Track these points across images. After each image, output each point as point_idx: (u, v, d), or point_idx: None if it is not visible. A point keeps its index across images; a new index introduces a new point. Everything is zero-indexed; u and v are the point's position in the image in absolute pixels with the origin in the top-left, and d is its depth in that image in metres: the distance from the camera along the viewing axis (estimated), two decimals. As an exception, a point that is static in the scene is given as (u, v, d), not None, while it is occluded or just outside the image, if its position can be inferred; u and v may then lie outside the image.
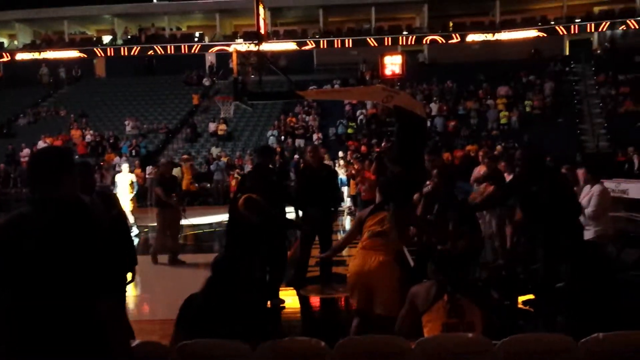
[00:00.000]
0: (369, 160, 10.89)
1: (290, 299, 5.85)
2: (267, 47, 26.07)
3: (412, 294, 3.04)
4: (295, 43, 28.63)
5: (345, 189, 16.57)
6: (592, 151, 18.78)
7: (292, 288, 6.15)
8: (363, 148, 18.97)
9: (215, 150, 20.52)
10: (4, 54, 30.24)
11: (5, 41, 32.06)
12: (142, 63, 30.21)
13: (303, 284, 6.28)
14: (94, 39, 31.52)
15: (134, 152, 20.91)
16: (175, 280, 6.86)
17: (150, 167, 18.37)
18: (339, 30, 29.50)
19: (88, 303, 1.98)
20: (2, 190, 18.79)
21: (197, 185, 18.06)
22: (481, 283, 5.62)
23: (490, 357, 2.58)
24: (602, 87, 22.91)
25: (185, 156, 18.41)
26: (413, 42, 28.00)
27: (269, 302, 5.29)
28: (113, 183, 11.46)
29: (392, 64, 23.39)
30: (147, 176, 18.04)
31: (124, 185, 10.33)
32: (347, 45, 28.44)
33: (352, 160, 17.20)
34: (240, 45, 24.96)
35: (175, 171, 12.68)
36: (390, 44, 27.94)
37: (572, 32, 27.00)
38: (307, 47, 28.76)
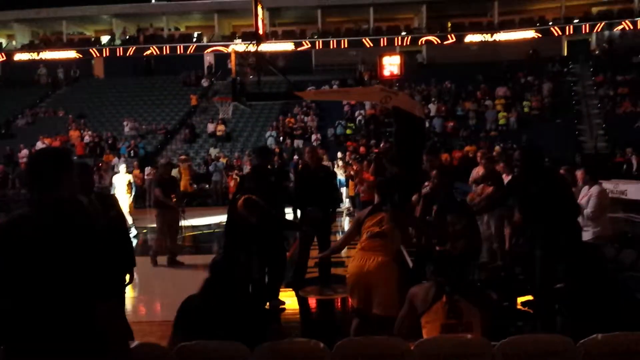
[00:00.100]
0: (368, 161, 10.89)
1: (289, 300, 5.84)
2: (265, 47, 26.08)
3: (411, 295, 3.04)
4: (293, 43, 28.66)
5: (344, 190, 16.57)
6: (590, 152, 18.81)
7: (291, 289, 6.15)
8: (362, 149, 18.97)
9: (213, 151, 20.51)
10: (2, 54, 30.23)
11: (4, 41, 32.04)
12: (140, 63, 30.20)
13: (302, 285, 6.28)
14: (93, 39, 31.51)
15: (132, 153, 20.89)
16: (174, 282, 6.85)
17: (149, 168, 18.35)
18: (337, 31, 29.52)
19: (87, 304, 1.98)
20: (0, 191, 18.76)
21: (195, 186, 18.03)
22: (480, 284, 5.62)
23: (489, 358, 2.58)
24: (600, 87, 22.95)
25: (182, 157, 18.39)
26: (408, 43, 28.03)
27: (268, 304, 5.28)
28: (111, 184, 11.44)
29: (391, 64, 23.42)
30: (145, 177, 18.02)
31: (122, 186, 10.32)
32: (342, 46, 28.48)
33: (350, 161, 17.21)
34: (239, 46, 24.96)
35: (173, 172, 12.67)
36: (386, 44, 27.96)
37: (568, 32, 27.07)
38: (305, 48, 28.78)
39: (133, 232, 10.29)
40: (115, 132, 22.87)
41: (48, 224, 1.97)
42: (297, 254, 6.44)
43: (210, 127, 22.66)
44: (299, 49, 28.59)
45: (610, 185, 10.41)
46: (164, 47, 29.22)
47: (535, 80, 23.74)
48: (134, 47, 29.23)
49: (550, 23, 27.53)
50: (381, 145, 17.89)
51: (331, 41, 28.40)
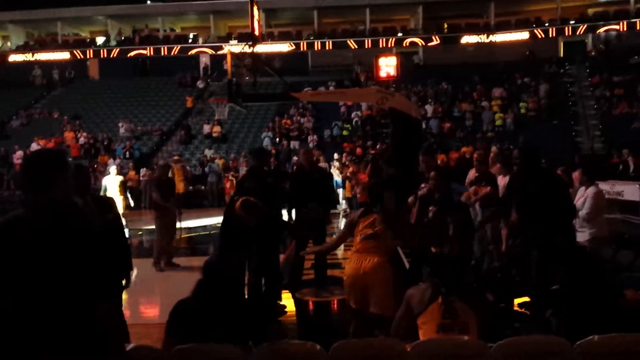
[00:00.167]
0: (365, 162, 10.88)
1: (285, 302, 5.83)
2: (261, 48, 26.10)
3: (408, 296, 3.05)
4: (289, 44, 28.66)
5: (340, 191, 16.57)
6: (587, 153, 18.86)
7: (287, 291, 6.14)
8: (358, 150, 18.98)
9: (208, 152, 20.47)
10: (-4, 55, 30.13)
11: (-2, 42, 31.95)
12: (135, 64, 30.13)
13: (298, 287, 6.27)
14: (88, 40, 31.44)
15: (127, 154, 20.83)
16: (170, 284, 6.83)
17: (144, 169, 18.30)
18: (333, 32, 29.55)
19: (83, 305, 1.98)
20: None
21: (190, 187, 17.99)
22: (477, 285, 5.61)
23: (486, 360, 2.57)
24: (596, 88, 23.04)
25: (176, 157, 18.37)
26: (393, 45, 28.05)
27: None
28: (101, 186, 11.40)
29: (387, 65, 23.40)
30: (141, 178, 17.97)
31: (114, 187, 10.28)
32: (331, 48, 28.55)
33: (347, 162, 17.21)
34: (235, 47, 24.95)
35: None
36: (371, 45, 28.02)
37: (567, 33, 27.19)
38: (301, 49, 28.81)
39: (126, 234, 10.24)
40: (110, 133, 22.81)
41: (43, 226, 1.96)
42: (293, 255, 6.43)
43: (206, 128, 22.63)
44: (296, 49, 28.60)
45: (606, 186, 10.45)
46: (160, 48, 29.19)
47: (532, 82, 23.81)
48: (130, 49, 29.18)
49: (547, 24, 27.64)
50: (377, 146, 17.92)
51: (324, 42, 28.45)
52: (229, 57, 9.28)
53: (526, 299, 5.22)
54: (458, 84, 24.04)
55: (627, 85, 22.24)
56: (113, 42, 30.19)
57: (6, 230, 1.96)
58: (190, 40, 30.03)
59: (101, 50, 29.61)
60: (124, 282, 3.88)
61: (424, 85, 24.64)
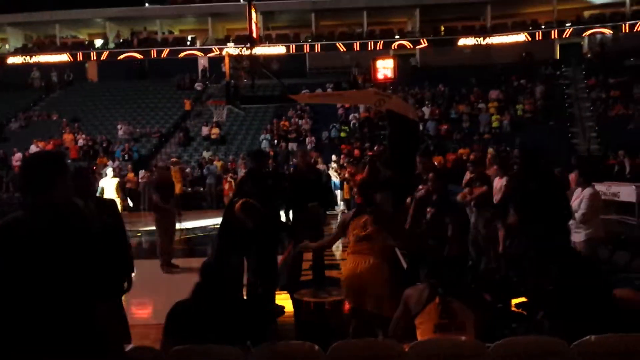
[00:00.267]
0: (363, 164, 10.91)
1: (283, 302, 5.85)
2: (259, 50, 26.14)
3: (405, 297, 3.08)
4: (285, 47, 28.72)
5: (338, 193, 16.60)
6: (583, 154, 18.92)
7: (285, 292, 6.16)
8: (356, 152, 19.01)
9: (206, 154, 20.47)
10: (-5, 58, 30.11)
11: (-3, 45, 31.92)
12: (134, 67, 30.13)
13: (296, 288, 6.28)
14: (86, 42, 31.42)
15: (126, 157, 20.83)
16: (169, 285, 6.85)
17: (143, 171, 18.30)
18: (331, 34, 29.60)
19: (82, 306, 1.99)
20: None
21: (189, 189, 18.01)
22: (474, 286, 5.64)
23: None
24: (592, 90, 23.12)
25: (174, 159, 18.38)
26: (381, 47, 28.15)
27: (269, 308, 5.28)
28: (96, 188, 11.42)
29: (384, 67, 23.41)
30: (139, 180, 17.97)
31: (110, 190, 10.30)
32: (336, 50, 28.63)
33: (345, 164, 17.25)
34: (233, 49, 24.96)
35: (167, 175, 12.66)
36: (371, 48, 28.12)
37: (553, 36, 27.30)
38: (299, 51, 28.87)
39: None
40: (109, 135, 22.80)
41: (42, 228, 1.97)
42: (291, 256, 6.46)
43: (205, 131, 22.63)
44: (294, 52, 28.65)
45: (603, 187, 10.49)
46: (159, 51, 29.20)
47: (528, 83, 23.88)
48: (128, 51, 29.19)
49: (544, 27, 27.75)
50: (375, 148, 17.95)
51: (316, 45, 28.56)
52: (227, 60, 9.30)
53: (523, 299, 5.25)
54: (455, 86, 24.10)
55: (622, 87, 22.31)
56: (111, 45, 30.19)
57: (5, 232, 1.97)
58: (188, 43, 30.05)
59: (99, 52, 29.63)
60: (125, 285, 3.89)
61: (421, 88, 24.68)
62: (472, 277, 6.11)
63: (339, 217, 14.15)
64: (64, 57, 29.49)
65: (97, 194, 9.81)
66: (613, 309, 2.88)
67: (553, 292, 3.17)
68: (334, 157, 18.10)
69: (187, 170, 18.89)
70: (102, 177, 10.33)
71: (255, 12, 10.90)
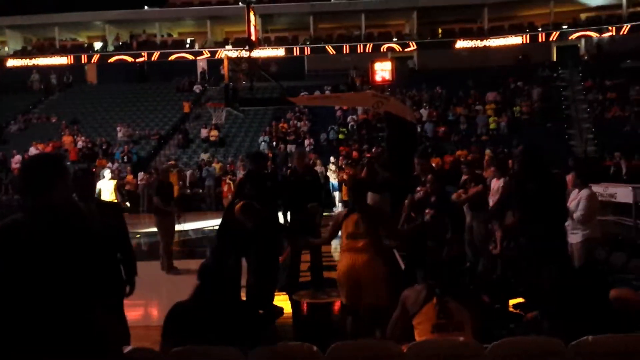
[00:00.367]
0: (361, 166, 10.94)
1: (282, 304, 5.86)
2: (258, 53, 26.20)
3: (403, 297, 3.10)
4: (284, 50, 28.76)
5: (337, 194, 16.63)
6: (580, 156, 18.98)
7: (284, 293, 6.18)
8: (354, 153, 19.04)
9: (204, 156, 20.48)
10: (-6, 60, 30.09)
11: (-4, 48, 31.90)
12: (133, 69, 30.14)
13: (295, 289, 6.31)
14: (85, 45, 31.43)
15: (126, 159, 20.84)
16: (169, 286, 6.86)
17: (142, 173, 18.31)
18: (329, 37, 29.66)
19: (81, 308, 2.00)
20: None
21: (188, 190, 18.02)
22: (472, 287, 5.67)
23: (481, 360, 2.61)
24: (589, 92, 23.19)
25: (171, 162, 18.40)
26: (379, 50, 28.15)
27: (264, 310, 5.29)
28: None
29: (382, 70, 23.55)
30: (139, 182, 17.97)
31: (108, 191, 10.32)
32: (334, 53, 28.67)
33: (343, 166, 17.28)
34: (232, 52, 25.01)
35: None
36: (369, 50, 28.19)
37: (551, 39, 27.40)
38: (298, 54, 28.91)
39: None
40: (108, 137, 22.80)
41: (42, 230, 1.98)
42: (289, 258, 6.48)
43: (204, 133, 22.65)
44: (293, 54, 28.71)
45: (600, 188, 10.50)
46: (157, 53, 29.22)
47: (525, 86, 23.94)
48: (127, 54, 29.21)
49: (540, 29, 27.83)
50: (373, 149, 17.97)
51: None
52: (226, 62, 9.33)
53: (521, 300, 5.28)
54: (452, 88, 24.14)
55: (619, 88, 22.38)
56: (111, 47, 30.20)
57: (5, 234, 1.98)
58: (187, 46, 30.08)
59: (98, 55, 29.65)
60: (127, 288, 3.89)
61: (418, 90, 24.73)
62: (470, 278, 6.14)
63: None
64: (64, 60, 29.50)
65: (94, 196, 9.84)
66: (610, 309, 2.90)
67: (550, 292, 3.19)
68: (332, 159, 18.13)
69: (189, 172, 18.89)
70: (100, 179, 10.36)
71: (254, 14, 10.96)
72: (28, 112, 26.55)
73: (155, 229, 8.28)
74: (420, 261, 4.87)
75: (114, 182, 10.93)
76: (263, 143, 21.43)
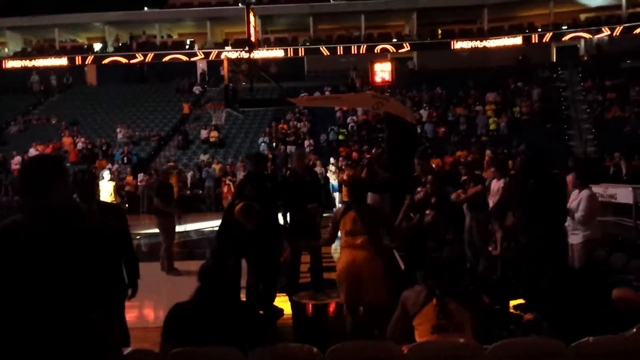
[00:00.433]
0: (361, 167, 10.94)
1: (282, 305, 5.86)
2: (258, 54, 26.20)
3: (403, 298, 3.09)
4: (284, 51, 28.78)
5: (337, 195, 16.63)
6: (580, 156, 18.97)
7: (284, 294, 6.17)
8: (354, 154, 19.04)
9: (204, 157, 20.48)
10: (-6, 61, 30.11)
11: (-4, 49, 31.92)
12: (133, 70, 30.15)
13: (295, 290, 6.30)
14: (85, 46, 31.44)
15: (125, 160, 20.84)
16: (168, 287, 6.86)
17: (142, 174, 18.30)
18: (329, 38, 29.68)
19: (81, 309, 2.00)
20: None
21: (188, 192, 18.02)
22: (472, 287, 5.66)
23: (481, 361, 2.61)
24: (589, 93, 23.20)
25: (171, 163, 18.41)
26: (379, 50, 28.15)
27: (264, 310, 5.29)
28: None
29: (382, 71, 23.55)
30: (138, 183, 17.97)
31: (107, 193, 10.34)
32: (334, 53, 28.69)
33: (343, 167, 17.28)
34: (231, 53, 25.02)
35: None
36: (369, 51, 28.22)
37: (544, 39, 27.43)
38: (298, 55, 28.93)
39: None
40: (108, 138, 22.81)
41: (41, 231, 1.98)
42: (289, 259, 6.47)
43: (204, 134, 22.65)
44: (293, 55, 28.73)
45: (600, 189, 10.50)
46: (157, 54, 29.23)
47: (525, 86, 23.95)
48: (127, 55, 29.22)
49: (539, 29, 27.84)
50: (373, 150, 17.96)
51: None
52: (225, 63, 9.35)
53: (521, 301, 5.28)
54: (452, 89, 24.16)
55: (619, 89, 22.39)
56: (110, 49, 30.22)
57: (5, 235, 1.98)
58: (187, 47, 30.09)
59: (98, 56, 29.68)
60: (130, 291, 3.88)
61: (418, 90, 24.75)
62: (471, 279, 6.13)
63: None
64: (63, 61, 29.52)
65: None
66: (611, 309, 2.90)
67: (549, 292, 3.19)
68: (332, 160, 18.13)
69: (190, 174, 18.89)
70: (99, 180, 10.39)
71: (254, 16, 10.96)
72: (28, 114, 26.57)
73: (154, 230, 8.29)
74: (420, 262, 4.86)
75: (112, 183, 10.95)
76: (263, 144, 21.43)
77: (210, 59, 28.89)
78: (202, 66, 29.81)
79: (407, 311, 3.01)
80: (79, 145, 22.05)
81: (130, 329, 3.89)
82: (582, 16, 28.21)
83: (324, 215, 7.18)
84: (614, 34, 26.12)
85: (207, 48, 29.44)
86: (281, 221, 6.35)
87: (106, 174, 11.37)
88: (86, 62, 29.76)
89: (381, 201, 6.47)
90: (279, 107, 21.97)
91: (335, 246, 6.34)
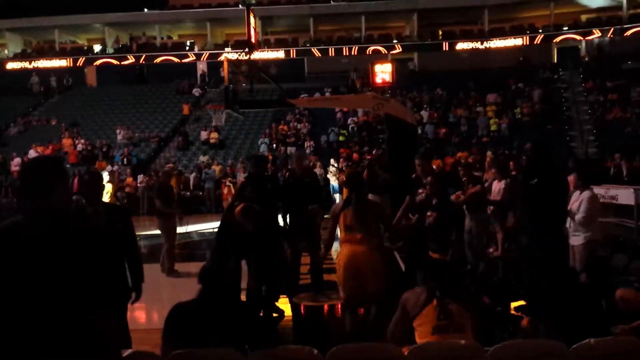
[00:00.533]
0: (362, 168, 10.94)
1: (282, 306, 5.85)
2: (258, 55, 26.20)
3: (403, 300, 3.09)
4: (284, 52, 28.80)
5: (337, 196, 16.62)
6: (581, 157, 18.95)
7: (284, 296, 6.15)
8: (355, 155, 19.03)
9: (204, 158, 20.47)
10: (-6, 63, 30.15)
11: (-4, 50, 31.96)
12: (133, 72, 30.17)
13: (295, 292, 6.29)
14: (85, 47, 31.48)
15: (125, 161, 20.84)
16: (169, 289, 6.85)
17: (142, 175, 18.30)
18: (329, 39, 29.69)
19: (81, 311, 2.00)
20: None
21: (188, 193, 18.01)
22: (473, 289, 5.64)
23: (482, 362, 2.60)
24: (590, 94, 23.19)
25: (170, 165, 18.40)
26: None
27: (264, 312, 5.28)
28: None
29: (383, 72, 23.57)
30: (138, 185, 17.96)
31: (107, 194, 10.32)
32: (334, 54, 28.72)
33: (344, 168, 17.27)
34: (232, 54, 25.03)
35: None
36: (369, 52, 28.24)
37: (536, 41, 27.46)
38: (298, 56, 28.95)
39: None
40: (108, 140, 22.82)
41: (41, 232, 1.98)
42: (289, 261, 6.46)
43: (204, 135, 22.66)
44: (293, 56, 28.75)
45: (601, 190, 10.49)
46: (157, 56, 29.26)
47: (526, 87, 23.96)
48: (127, 57, 29.25)
49: (541, 30, 27.85)
50: (374, 151, 17.98)
51: (303, 50, 28.76)
52: (225, 64, 9.36)
53: (522, 302, 5.25)
54: (453, 90, 24.16)
55: (620, 90, 22.38)
56: (110, 50, 30.24)
57: (4, 236, 1.98)
58: (187, 48, 30.11)
59: (98, 58, 29.74)
60: (133, 295, 3.87)
61: (419, 91, 24.75)
62: (471, 280, 6.12)
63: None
64: (63, 62, 29.55)
65: None
66: (613, 310, 2.89)
67: (549, 293, 3.18)
68: (332, 161, 18.12)
69: (192, 175, 18.88)
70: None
71: (254, 17, 10.96)
72: (28, 115, 26.58)
73: (155, 232, 8.29)
74: (420, 263, 4.85)
75: (111, 185, 10.94)
76: (263, 145, 21.43)
77: (209, 59, 28.90)
78: (202, 67, 29.83)
79: (408, 312, 3.00)
80: (79, 147, 22.06)
81: (131, 331, 3.88)
82: (583, 17, 28.23)
83: (325, 216, 7.17)
84: (614, 35, 26.10)
85: (207, 49, 29.46)
86: (281, 222, 6.34)
87: (105, 175, 11.37)
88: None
89: (381, 202, 6.47)
90: (279, 108, 21.96)
91: (336, 247, 6.34)
